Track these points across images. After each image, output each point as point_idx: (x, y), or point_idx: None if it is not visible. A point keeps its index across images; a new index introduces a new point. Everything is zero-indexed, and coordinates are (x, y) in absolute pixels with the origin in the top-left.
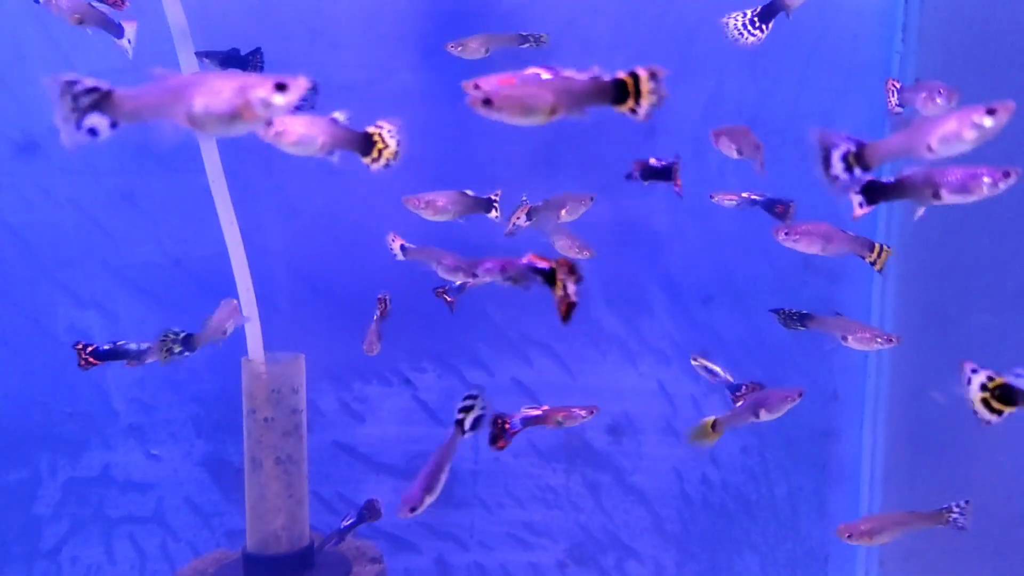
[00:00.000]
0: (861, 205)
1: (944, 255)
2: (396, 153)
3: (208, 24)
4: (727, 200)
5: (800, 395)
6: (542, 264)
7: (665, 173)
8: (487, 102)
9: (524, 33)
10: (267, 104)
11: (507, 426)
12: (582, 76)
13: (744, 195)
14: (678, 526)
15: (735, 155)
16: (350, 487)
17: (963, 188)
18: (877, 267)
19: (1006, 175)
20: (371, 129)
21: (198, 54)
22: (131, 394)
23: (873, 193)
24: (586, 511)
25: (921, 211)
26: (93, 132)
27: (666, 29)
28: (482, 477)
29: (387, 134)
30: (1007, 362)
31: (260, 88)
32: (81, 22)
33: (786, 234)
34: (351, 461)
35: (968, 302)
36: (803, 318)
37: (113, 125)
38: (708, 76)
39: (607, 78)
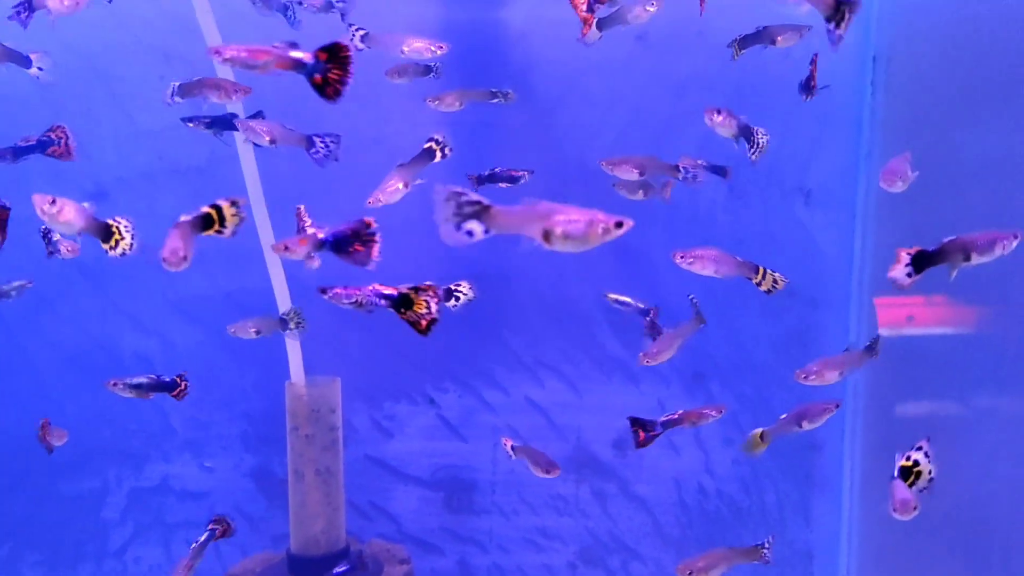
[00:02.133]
0: (909, 275)
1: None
2: (131, 245)
3: (241, 76)
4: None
5: (837, 406)
6: (388, 291)
7: None
8: None
9: (494, 90)
10: (607, 231)
11: (652, 431)
12: None
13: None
14: (677, 531)
15: (636, 177)
16: (380, 496)
17: (987, 250)
18: (764, 288)
19: (1015, 236)
20: (110, 220)
21: (183, 119)
22: (188, 413)
23: (919, 262)
24: (594, 517)
25: (955, 272)
26: (470, 234)
27: (659, 83)
28: (500, 487)
29: (123, 228)
30: (974, 381)
31: (606, 222)
32: None
33: (681, 257)
34: (381, 473)
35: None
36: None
37: (486, 231)
38: (698, 124)
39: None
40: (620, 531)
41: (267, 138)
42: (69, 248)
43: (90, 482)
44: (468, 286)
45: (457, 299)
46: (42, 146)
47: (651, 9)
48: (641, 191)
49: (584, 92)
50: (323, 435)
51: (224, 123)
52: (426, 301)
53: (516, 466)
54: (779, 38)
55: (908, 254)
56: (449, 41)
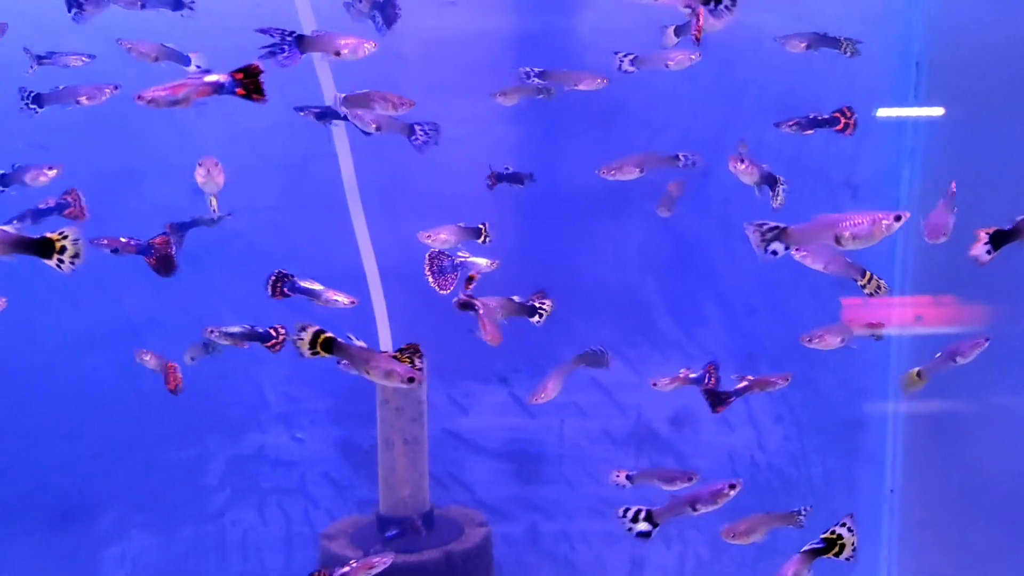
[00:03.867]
0: (988, 252)
1: (959, 262)
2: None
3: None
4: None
5: (987, 340)
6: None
7: None
8: None
9: (540, 86)
10: (889, 226)
11: (726, 399)
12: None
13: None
14: (732, 501)
15: (638, 174)
16: (456, 467)
17: None
18: (867, 290)
19: None
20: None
21: (296, 108)
22: (280, 388)
23: (997, 240)
24: (653, 488)
25: None
26: (775, 253)
27: (716, 85)
28: (566, 460)
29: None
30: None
31: (886, 218)
32: (156, 59)
33: (796, 250)
34: (457, 445)
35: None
36: None
37: (787, 248)
38: (752, 126)
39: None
40: None
41: (373, 126)
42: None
43: (192, 451)
44: (549, 302)
45: (540, 315)
46: (59, 208)
47: (721, 21)
48: (666, 210)
49: (645, 95)
50: (411, 408)
51: (333, 113)
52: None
53: (581, 440)
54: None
55: (987, 233)
56: (521, 46)
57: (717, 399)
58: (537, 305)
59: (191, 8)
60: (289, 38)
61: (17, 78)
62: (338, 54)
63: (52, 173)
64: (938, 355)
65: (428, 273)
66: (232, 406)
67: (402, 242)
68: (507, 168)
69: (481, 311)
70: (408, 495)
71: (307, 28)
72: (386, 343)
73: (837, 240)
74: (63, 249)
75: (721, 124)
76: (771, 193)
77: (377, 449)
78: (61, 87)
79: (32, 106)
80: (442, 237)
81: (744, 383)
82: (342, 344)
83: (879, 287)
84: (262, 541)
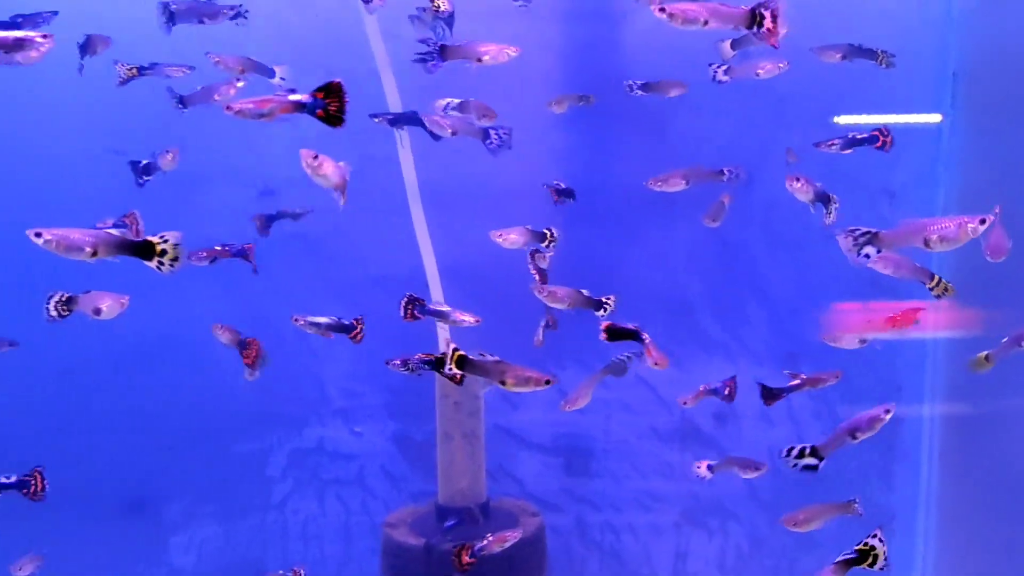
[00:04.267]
0: None
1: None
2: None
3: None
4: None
5: None
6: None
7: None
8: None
9: (580, 95)
10: (975, 229)
11: (780, 394)
12: None
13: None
14: (770, 494)
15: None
16: (507, 460)
17: None
18: (935, 292)
19: None
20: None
21: (370, 115)
22: (340, 384)
23: None
24: (696, 482)
25: None
26: (867, 256)
27: (761, 96)
28: (612, 454)
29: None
30: None
31: (971, 221)
32: (243, 72)
33: (867, 256)
34: (507, 440)
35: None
36: None
37: (878, 251)
38: (795, 135)
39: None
40: (719, 494)
41: (449, 131)
42: None
43: (257, 443)
44: (614, 298)
45: (605, 309)
46: (117, 228)
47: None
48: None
49: (693, 104)
50: (469, 403)
51: (407, 119)
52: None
53: (627, 435)
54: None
55: None
56: (572, 56)
57: (770, 394)
58: (604, 300)
59: (244, 16)
60: (435, 48)
61: (100, 88)
62: (480, 60)
63: (171, 156)
64: (1004, 340)
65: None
66: (295, 402)
67: (459, 243)
68: (559, 183)
69: (647, 340)
70: (466, 486)
71: (374, 43)
72: (445, 338)
73: (926, 243)
74: (163, 252)
75: (764, 134)
76: (824, 211)
77: (433, 442)
78: (200, 88)
79: (179, 106)
80: (512, 237)
81: (797, 381)
82: (475, 361)
83: (946, 289)
84: (322, 530)
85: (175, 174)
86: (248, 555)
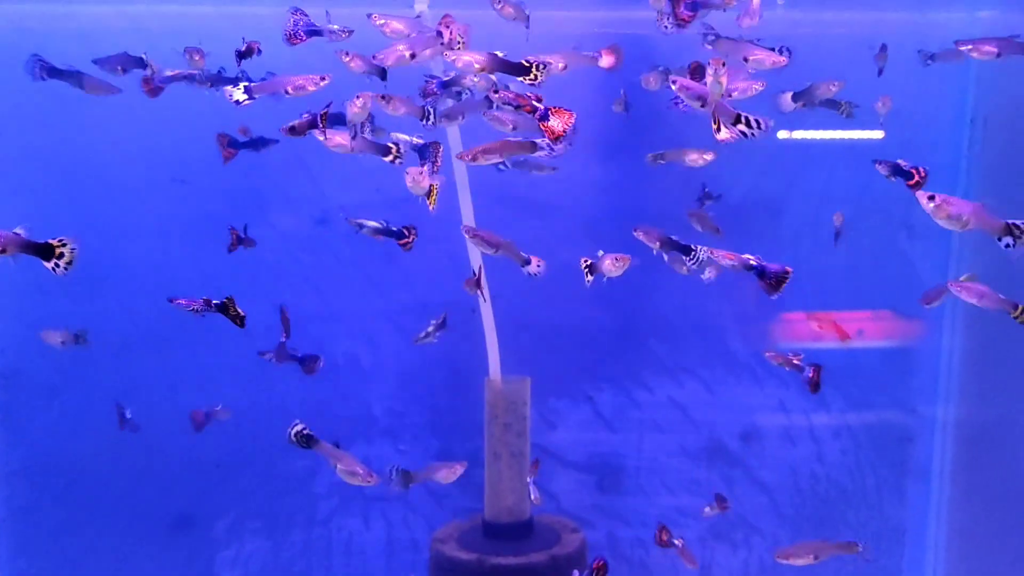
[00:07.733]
0: None
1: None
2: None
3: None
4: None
5: None
6: None
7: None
8: None
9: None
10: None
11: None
12: None
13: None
14: (792, 510)
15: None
16: (544, 478)
17: None
18: (1020, 320)
19: None
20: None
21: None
22: (386, 404)
23: None
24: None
25: None
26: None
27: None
28: (643, 472)
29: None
30: None
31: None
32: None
33: (953, 284)
34: (545, 458)
35: None
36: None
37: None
38: (823, 169)
39: None
40: (744, 510)
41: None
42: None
43: (303, 460)
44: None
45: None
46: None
47: (835, 87)
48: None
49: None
50: (517, 423)
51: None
52: None
53: (658, 454)
54: None
55: None
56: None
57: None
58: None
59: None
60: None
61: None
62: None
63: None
64: None
65: None
66: (342, 421)
67: (501, 269)
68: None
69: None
70: (512, 503)
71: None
72: (494, 362)
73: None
74: (61, 255)
75: (790, 171)
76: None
77: (474, 460)
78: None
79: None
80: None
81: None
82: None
83: None
84: (365, 545)
85: (237, 199)
86: (292, 570)
